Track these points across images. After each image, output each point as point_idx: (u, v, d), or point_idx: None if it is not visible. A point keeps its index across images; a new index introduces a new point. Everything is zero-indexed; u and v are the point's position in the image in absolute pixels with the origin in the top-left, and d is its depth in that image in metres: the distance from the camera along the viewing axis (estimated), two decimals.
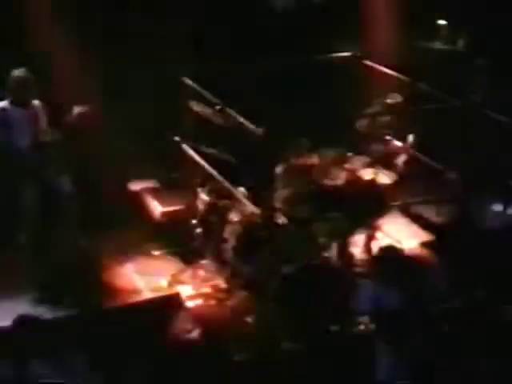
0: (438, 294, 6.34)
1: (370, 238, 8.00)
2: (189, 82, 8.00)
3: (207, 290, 7.77)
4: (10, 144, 7.66)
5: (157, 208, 8.58)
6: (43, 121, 7.85)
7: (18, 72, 7.69)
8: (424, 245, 8.35)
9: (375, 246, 7.80)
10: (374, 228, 7.93)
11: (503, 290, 7.42)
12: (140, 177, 8.99)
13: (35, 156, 7.75)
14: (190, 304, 7.53)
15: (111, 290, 7.75)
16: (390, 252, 6.33)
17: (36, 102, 7.82)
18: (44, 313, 7.22)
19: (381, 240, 7.83)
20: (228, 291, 7.68)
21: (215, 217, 7.81)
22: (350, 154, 8.21)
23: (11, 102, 7.69)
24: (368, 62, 8.61)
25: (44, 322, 6.06)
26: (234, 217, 7.66)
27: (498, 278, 7.51)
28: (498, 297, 7.37)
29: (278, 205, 7.35)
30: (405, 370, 6.11)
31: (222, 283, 7.77)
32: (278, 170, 7.51)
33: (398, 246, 7.04)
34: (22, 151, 7.69)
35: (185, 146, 8.18)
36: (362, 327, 7.22)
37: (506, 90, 9.45)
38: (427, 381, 6.20)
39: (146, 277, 7.98)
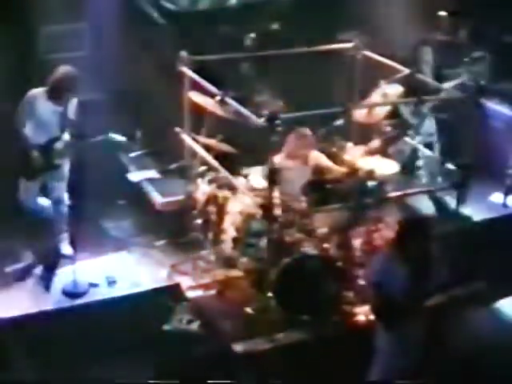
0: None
1: (371, 230, 8.00)
2: (189, 72, 7.98)
3: (207, 280, 7.78)
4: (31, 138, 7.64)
5: (157, 198, 8.58)
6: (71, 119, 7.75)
7: (64, 68, 7.63)
8: None
9: (376, 238, 7.82)
10: (374, 220, 7.92)
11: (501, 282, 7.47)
12: (140, 167, 8.98)
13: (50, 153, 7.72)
14: (190, 295, 7.55)
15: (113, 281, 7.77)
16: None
17: (73, 100, 7.73)
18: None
19: (382, 232, 7.82)
20: (228, 282, 7.71)
21: (215, 207, 7.82)
22: (349, 145, 8.23)
23: (48, 96, 7.63)
24: (368, 52, 8.59)
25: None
26: (233, 207, 7.67)
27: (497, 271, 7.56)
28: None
29: (277, 196, 7.34)
30: (405, 363, 6.15)
31: (221, 274, 7.79)
32: (278, 160, 7.50)
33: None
34: (41, 147, 7.66)
35: (185, 137, 8.18)
36: (361, 318, 7.28)
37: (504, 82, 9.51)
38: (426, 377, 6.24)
39: (146, 267, 8.01)
